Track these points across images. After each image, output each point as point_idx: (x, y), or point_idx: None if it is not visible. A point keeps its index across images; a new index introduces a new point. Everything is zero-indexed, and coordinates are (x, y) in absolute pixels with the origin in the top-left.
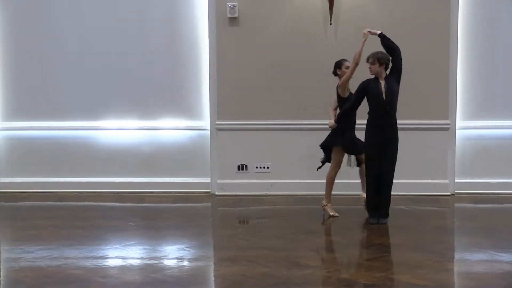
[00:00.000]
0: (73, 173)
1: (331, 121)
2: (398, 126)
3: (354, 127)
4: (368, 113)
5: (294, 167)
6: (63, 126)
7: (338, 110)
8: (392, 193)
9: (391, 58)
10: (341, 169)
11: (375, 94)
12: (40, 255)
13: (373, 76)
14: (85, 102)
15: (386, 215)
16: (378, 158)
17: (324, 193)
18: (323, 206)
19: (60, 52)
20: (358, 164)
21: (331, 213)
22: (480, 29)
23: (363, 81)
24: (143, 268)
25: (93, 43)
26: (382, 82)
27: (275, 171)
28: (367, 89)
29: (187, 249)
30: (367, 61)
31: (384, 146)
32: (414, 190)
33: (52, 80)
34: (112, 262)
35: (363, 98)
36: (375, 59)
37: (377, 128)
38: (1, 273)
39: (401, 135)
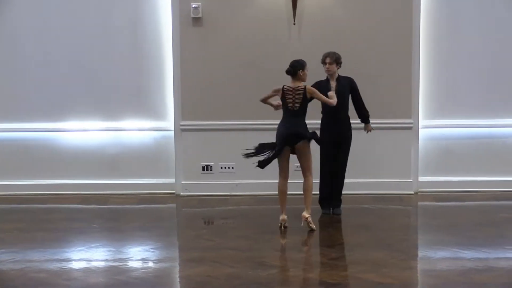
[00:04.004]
0: (36, 175)
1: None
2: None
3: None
4: (322, 112)
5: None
6: (25, 128)
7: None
8: (356, 192)
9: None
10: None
11: (326, 94)
12: (3, 259)
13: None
14: (48, 103)
15: (339, 204)
16: (333, 154)
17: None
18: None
19: (21, 52)
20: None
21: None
22: (442, 30)
23: (315, 83)
24: (108, 270)
25: (55, 44)
26: (333, 83)
27: (240, 171)
28: (320, 89)
29: (152, 250)
30: (324, 61)
31: (338, 142)
32: (378, 188)
33: (13, 81)
34: (76, 265)
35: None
36: (334, 59)
37: (331, 126)
38: None
39: (364, 134)
